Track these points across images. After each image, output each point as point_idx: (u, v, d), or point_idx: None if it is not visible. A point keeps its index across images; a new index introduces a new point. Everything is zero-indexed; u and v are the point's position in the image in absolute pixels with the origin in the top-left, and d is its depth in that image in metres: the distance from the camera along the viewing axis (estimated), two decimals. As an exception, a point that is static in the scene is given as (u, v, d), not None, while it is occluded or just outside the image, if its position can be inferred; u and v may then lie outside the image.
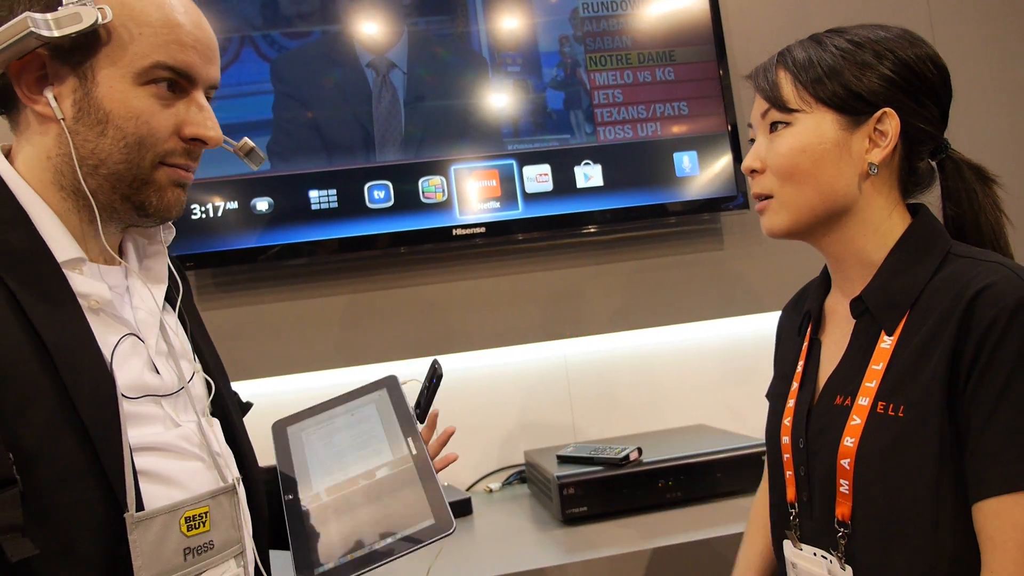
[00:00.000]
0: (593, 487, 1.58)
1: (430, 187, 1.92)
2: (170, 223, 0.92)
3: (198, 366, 0.92)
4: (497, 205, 1.94)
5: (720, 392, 2.13)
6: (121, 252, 0.89)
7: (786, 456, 0.98)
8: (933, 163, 0.96)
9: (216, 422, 0.91)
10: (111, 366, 0.76)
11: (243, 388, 1.85)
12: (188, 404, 0.86)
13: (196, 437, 0.84)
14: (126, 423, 0.74)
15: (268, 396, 1.89)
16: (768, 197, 0.96)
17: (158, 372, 0.83)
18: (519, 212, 1.94)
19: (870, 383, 0.87)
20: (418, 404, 1.10)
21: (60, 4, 0.75)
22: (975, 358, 0.79)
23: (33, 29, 0.72)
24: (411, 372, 1.97)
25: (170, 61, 0.79)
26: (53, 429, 0.70)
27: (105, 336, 0.78)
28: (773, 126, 0.95)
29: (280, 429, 1.06)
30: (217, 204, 1.82)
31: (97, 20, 0.75)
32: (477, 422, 2.03)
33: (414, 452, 0.97)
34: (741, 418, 2.09)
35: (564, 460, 1.70)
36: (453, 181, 1.92)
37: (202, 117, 0.84)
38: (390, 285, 1.97)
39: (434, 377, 1.11)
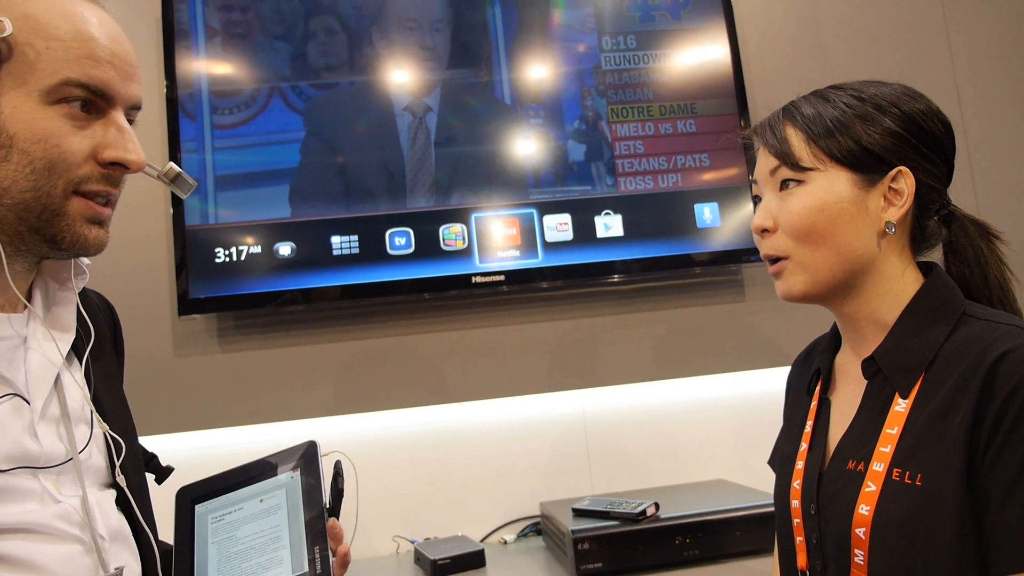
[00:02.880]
0: (608, 542, 1.55)
1: (451, 234, 1.93)
2: (83, 267, 0.84)
3: (97, 432, 0.80)
4: (517, 253, 1.95)
5: (740, 447, 2.09)
6: (29, 295, 0.80)
7: (796, 521, 0.95)
8: (937, 219, 0.95)
9: (111, 495, 0.80)
10: None
11: (262, 433, 1.88)
12: (75, 477, 0.75)
13: (78, 516, 0.73)
14: None
15: (286, 441, 1.90)
16: (780, 258, 0.94)
17: (39, 439, 0.73)
18: (539, 261, 1.95)
19: (884, 448, 0.84)
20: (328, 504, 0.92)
21: None
22: (996, 426, 0.76)
23: None
24: (427, 420, 1.99)
25: (82, 78, 0.72)
26: None
27: None
28: (784, 184, 0.93)
29: (184, 503, 0.90)
30: (240, 248, 1.84)
31: None
32: (493, 471, 2.01)
33: (318, 571, 0.82)
34: (760, 474, 2.04)
35: (580, 513, 1.67)
36: (474, 229, 1.94)
37: (121, 139, 0.75)
38: (409, 332, 1.97)
39: (335, 487, 0.92)
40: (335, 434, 1.93)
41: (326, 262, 1.87)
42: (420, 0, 2.01)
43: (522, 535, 1.95)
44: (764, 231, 0.95)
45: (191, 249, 1.82)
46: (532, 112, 2.02)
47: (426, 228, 1.92)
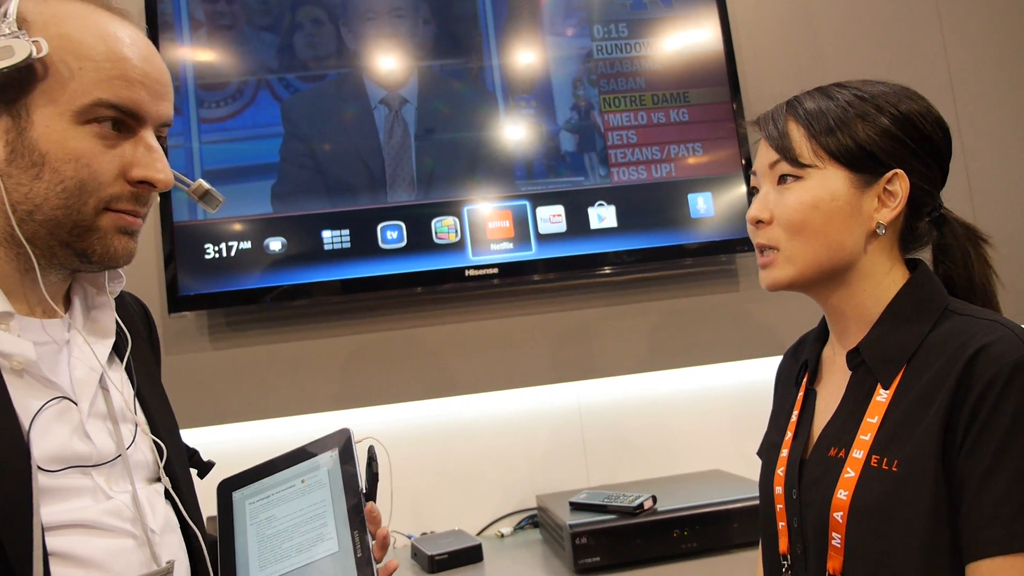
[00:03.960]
0: (606, 536, 1.55)
1: (443, 227, 1.91)
2: (119, 271, 0.86)
3: (144, 427, 0.84)
4: (510, 246, 1.93)
5: (736, 436, 2.09)
6: (68, 301, 0.83)
7: (779, 507, 0.97)
8: (928, 221, 0.98)
9: (160, 489, 0.83)
10: (28, 436, 0.69)
11: (254, 428, 1.86)
12: (125, 473, 0.78)
13: (129, 511, 0.76)
14: (39, 499, 0.67)
15: (279, 436, 1.89)
16: (771, 248, 0.96)
17: (91, 438, 0.76)
18: (532, 253, 1.93)
19: (865, 436, 0.87)
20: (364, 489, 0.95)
21: None
22: (972, 416, 0.79)
23: None
24: (422, 414, 1.97)
25: (114, 99, 0.73)
26: None
27: (27, 401, 0.71)
28: (782, 178, 0.95)
29: (225, 493, 0.94)
30: (230, 244, 1.82)
31: (31, 54, 0.69)
32: (489, 464, 2.00)
33: (359, 554, 0.84)
34: (757, 463, 2.05)
35: (577, 507, 1.66)
36: (466, 221, 1.92)
37: (150, 158, 0.76)
38: (402, 326, 1.96)
39: (370, 471, 0.96)
40: (328, 430, 1.91)
41: (317, 257, 1.85)
42: (409, -11, 1.98)
43: (519, 528, 1.94)
44: (759, 222, 0.97)
45: (180, 245, 1.79)
46: (523, 103, 2.00)
47: (418, 221, 1.90)
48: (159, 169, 0.77)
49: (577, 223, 1.96)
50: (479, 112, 1.98)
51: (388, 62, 1.95)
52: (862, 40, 2.22)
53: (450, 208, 1.92)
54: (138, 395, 0.86)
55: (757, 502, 1.58)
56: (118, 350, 0.86)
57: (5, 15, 0.71)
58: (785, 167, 0.94)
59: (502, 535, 1.91)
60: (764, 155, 0.98)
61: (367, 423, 1.93)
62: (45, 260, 0.76)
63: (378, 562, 0.86)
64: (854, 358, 0.94)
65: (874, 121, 0.92)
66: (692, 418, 2.10)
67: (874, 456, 0.85)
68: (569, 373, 2.00)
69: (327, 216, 1.87)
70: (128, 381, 0.86)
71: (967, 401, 0.79)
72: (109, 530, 0.74)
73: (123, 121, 0.75)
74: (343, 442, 0.93)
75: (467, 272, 1.89)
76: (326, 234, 1.86)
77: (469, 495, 1.97)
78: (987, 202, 2.13)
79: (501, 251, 1.92)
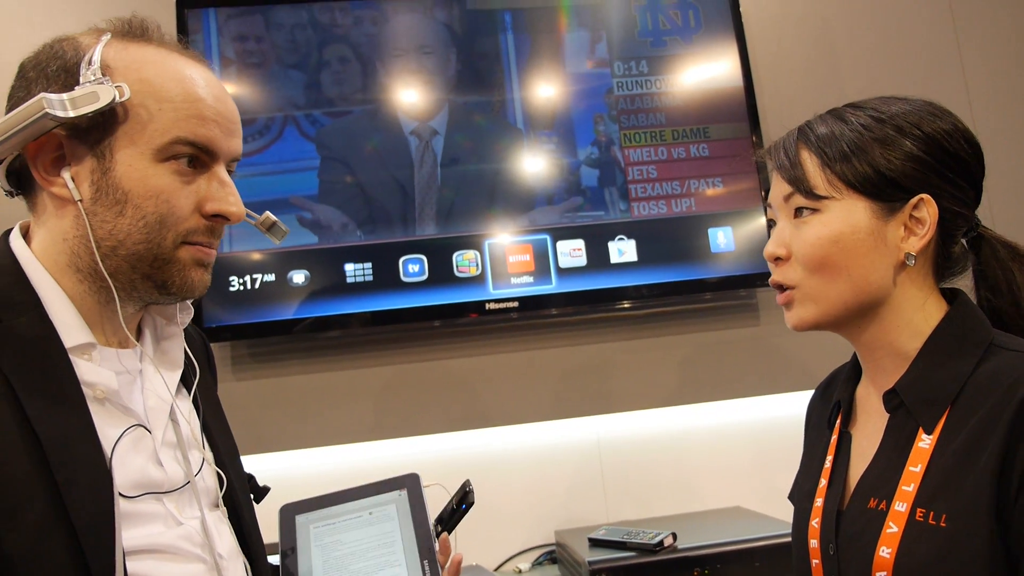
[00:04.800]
0: (625, 574, 1.53)
1: (464, 261, 1.93)
2: (188, 303, 0.89)
3: (209, 457, 0.87)
4: (531, 280, 1.94)
5: (757, 473, 2.07)
6: (139, 332, 0.86)
7: (815, 562, 0.91)
8: (964, 243, 0.90)
9: (224, 516, 0.86)
10: (110, 462, 0.72)
11: (275, 460, 1.87)
12: (193, 499, 0.81)
13: (199, 536, 0.79)
14: (120, 525, 0.70)
15: (297, 469, 1.89)
16: (789, 287, 0.90)
17: (163, 466, 0.79)
18: (552, 287, 1.94)
19: (907, 486, 0.80)
20: (440, 520, 1.01)
21: (77, 83, 0.73)
22: None
23: (48, 110, 0.70)
24: (441, 447, 1.97)
25: (190, 136, 0.77)
26: (42, 533, 0.66)
27: (108, 428, 0.74)
28: (798, 211, 0.88)
29: (288, 516, 0.97)
30: (255, 276, 1.85)
31: (115, 98, 0.72)
32: (507, 498, 1.99)
33: None
34: (779, 501, 2.01)
35: (596, 543, 1.65)
36: (487, 255, 1.94)
37: (224, 192, 0.80)
38: (422, 358, 1.97)
39: (464, 503, 1.02)
40: (347, 463, 1.93)
41: (340, 290, 1.87)
42: (431, 28, 2.02)
43: (537, 564, 1.93)
44: (777, 259, 0.91)
45: (205, 277, 1.82)
46: (544, 138, 2.02)
47: (439, 255, 1.92)
48: (232, 203, 0.81)
49: (597, 257, 1.97)
50: (501, 146, 2.00)
51: (420, 95, 1.99)
52: (883, 74, 2.23)
53: (471, 242, 1.94)
54: (203, 424, 0.89)
55: (778, 541, 1.57)
56: (185, 380, 0.89)
57: (90, 62, 0.74)
58: (800, 199, 0.88)
59: (520, 571, 1.90)
60: (778, 187, 0.91)
61: (384, 456, 1.94)
62: (125, 293, 0.79)
63: None
64: (892, 399, 0.86)
65: (895, 145, 0.84)
66: (713, 454, 2.08)
67: (919, 509, 0.78)
68: (588, 407, 2.00)
69: (350, 249, 1.89)
70: (194, 410, 0.89)
71: (1021, 449, 0.72)
72: (182, 555, 0.77)
73: (198, 157, 0.79)
74: (411, 484, 0.97)
75: (487, 306, 1.90)
76: (349, 267, 1.89)
77: (487, 530, 1.96)
78: (1009, 220, 2.11)
79: (521, 284, 1.93)
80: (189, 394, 0.89)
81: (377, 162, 1.94)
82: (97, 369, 0.76)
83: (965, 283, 0.92)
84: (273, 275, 1.86)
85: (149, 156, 0.76)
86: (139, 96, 0.75)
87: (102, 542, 0.68)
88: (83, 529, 0.67)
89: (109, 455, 0.72)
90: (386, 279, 1.89)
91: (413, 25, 2.02)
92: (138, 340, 0.85)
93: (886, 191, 0.84)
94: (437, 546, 0.92)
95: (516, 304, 1.91)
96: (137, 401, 0.80)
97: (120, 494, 0.72)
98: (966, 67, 2.27)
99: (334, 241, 1.89)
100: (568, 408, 1.99)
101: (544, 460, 2.03)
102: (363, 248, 1.90)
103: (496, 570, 1.92)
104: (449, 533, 0.99)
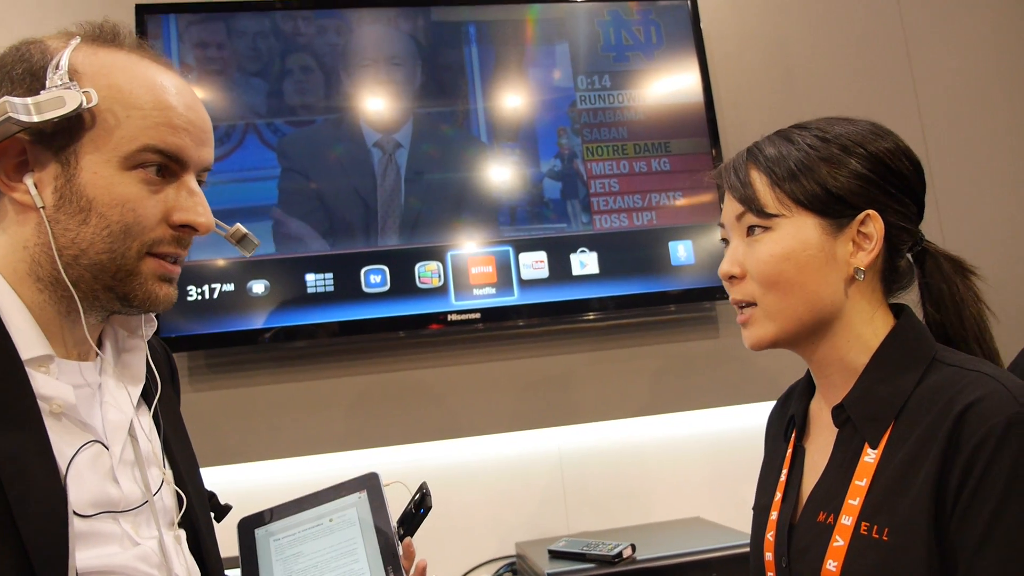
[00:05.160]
0: (585, 585, 1.53)
1: (426, 272, 1.93)
2: (152, 315, 0.87)
3: (168, 475, 0.84)
4: (493, 291, 1.94)
5: (717, 483, 2.09)
6: (100, 343, 0.83)
7: (770, 574, 0.93)
8: (910, 257, 0.93)
9: (183, 536, 0.84)
10: (65, 480, 0.69)
11: (232, 473, 1.84)
12: (151, 518, 0.79)
13: (156, 556, 0.77)
14: (75, 545, 0.67)
15: (253, 482, 1.87)
16: (749, 304, 0.91)
17: (119, 484, 0.76)
18: (515, 298, 1.95)
19: (853, 500, 0.82)
20: (402, 522, 0.98)
21: (43, 88, 0.71)
22: (963, 480, 0.74)
23: (11, 114, 0.68)
24: (401, 459, 1.96)
25: (160, 144, 0.75)
26: None
27: (63, 444, 0.72)
28: (751, 229, 0.90)
29: (247, 530, 0.94)
30: (213, 286, 1.82)
31: (82, 104, 0.71)
32: (467, 510, 1.98)
33: None
34: (737, 511, 2.05)
35: (556, 555, 1.65)
36: (449, 267, 1.93)
37: (192, 202, 0.78)
38: (384, 369, 1.95)
39: (422, 507, 1.00)
40: (304, 475, 1.90)
41: (301, 300, 1.86)
42: (396, 39, 2.02)
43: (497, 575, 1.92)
44: (732, 277, 0.93)
45: (162, 286, 1.79)
46: (508, 150, 2.03)
47: (401, 266, 1.91)
48: (200, 213, 0.79)
49: (559, 269, 1.98)
50: (464, 158, 2.01)
51: (384, 107, 1.99)
52: (838, 91, 2.28)
53: (433, 253, 1.94)
54: (164, 441, 0.87)
55: (736, 551, 1.59)
56: (146, 394, 0.87)
57: (57, 67, 0.73)
58: (752, 218, 0.90)
59: (481, 583, 1.89)
60: (729, 207, 0.93)
61: (343, 468, 1.91)
62: (87, 303, 0.77)
63: None
64: (839, 414, 0.89)
65: (840, 163, 0.87)
66: (673, 465, 2.10)
67: (864, 523, 0.80)
68: (550, 419, 2.00)
69: (312, 259, 1.88)
70: (154, 426, 0.87)
71: (956, 464, 0.74)
72: None
73: (167, 166, 0.77)
74: (371, 484, 0.94)
75: (449, 317, 1.90)
76: (310, 277, 1.87)
77: (446, 542, 1.95)
78: (959, 239, 2.17)
79: (483, 296, 1.94)
80: (150, 409, 0.87)
81: (339, 172, 1.93)
82: (54, 383, 0.73)
83: (912, 298, 0.94)
84: (232, 285, 1.84)
85: (116, 163, 0.74)
86: (107, 102, 0.74)
87: (54, 563, 0.66)
88: (34, 549, 0.65)
89: (64, 472, 0.70)
90: (348, 289, 1.88)
91: (377, 36, 2.02)
92: (99, 351, 0.83)
93: (834, 207, 0.87)
94: (401, 551, 0.90)
95: (478, 315, 1.92)
96: (96, 416, 0.78)
97: (75, 513, 0.69)
98: (917, 84, 2.34)
99: (295, 251, 1.87)
100: (530, 419, 1.99)
101: (505, 471, 2.03)
102: (325, 258, 1.89)
103: (456, 583, 1.91)
104: (411, 537, 0.98)
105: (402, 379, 1.96)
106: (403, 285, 1.90)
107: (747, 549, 1.55)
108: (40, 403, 0.71)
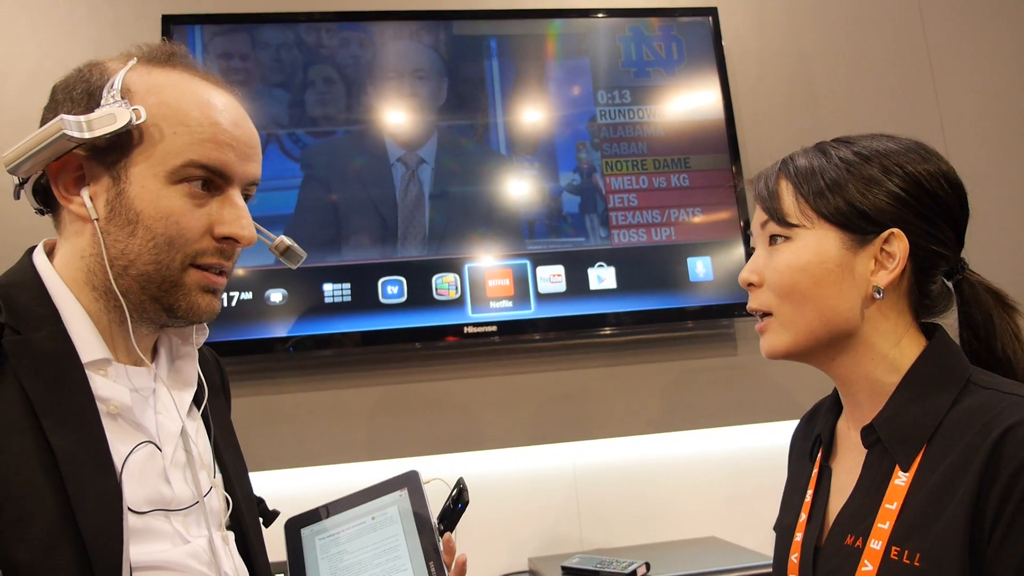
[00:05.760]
0: (598, 603, 1.52)
1: (443, 284, 1.93)
2: (204, 326, 0.90)
3: (218, 479, 0.88)
4: (510, 304, 1.94)
5: (733, 503, 2.07)
6: (155, 351, 0.88)
7: None
8: (949, 284, 0.90)
9: (231, 537, 0.87)
10: (120, 477, 0.73)
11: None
12: (201, 519, 0.82)
13: (206, 555, 0.80)
14: (129, 539, 0.71)
15: (272, 491, 1.86)
16: (766, 314, 0.91)
17: (171, 484, 0.80)
18: (531, 312, 1.94)
19: (883, 524, 0.80)
20: (441, 518, 1.01)
21: (99, 106, 0.76)
22: (1001, 507, 0.71)
23: (65, 131, 0.73)
24: (418, 471, 1.95)
25: (203, 159, 0.78)
26: (51, 543, 0.67)
27: (120, 444, 0.75)
28: (772, 239, 0.90)
29: (293, 530, 0.98)
30: (232, 294, 1.83)
31: (131, 121, 0.75)
32: (481, 525, 1.97)
33: None
34: (754, 531, 2.02)
35: (569, 572, 1.64)
36: (467, 279, 1.94)
37: (235, 215, 0.81)
38: (398, 381, 1.95)
39: (459, 502, 1.03)
40: (317, 486, 1.90)
41: (318, 310, 1.86)
42: (418, 52, 2.04)
43: (510, 591, 1.91)
44: (751, 285, 0.92)
45: (181, 294, 1.80)
46: (527, 164, 2.04)
47: (419, 277, 1.92)
48: (243, 226, 0.82)
49: (577, 283, 1.98)
50: (485, 172, 2.01)
51: (408, 122, 2.00)
52: (860, 108, 2.27)
53: (451, 265, 1.94)
54: (214, 444, 0.91)
55: (753, 572, 1.56)
56: (196, 400, 0.90)
57: (112, 86, 0.77)
58: (774, 227, 0.89)
59: (493, 598, 1.88)
60: (756, 216, 0.93)
61: (357, 481, 1.91)
62: (137, 313, 0.80)
63: None
64: (869, 435, 0.86)
65: (872, 180, 0.85)
66: (688, 483, 2.08)
67: (894, 547, 0.77)
68: (565, 434, 1.99)
69: (329, 270, 1.89)
70: (204, 430, 0.91)
71: (994, 489, 0.71)
72: (188, 572, 0.77)
73: (212, 180, 0.80)
74: (411, 482, 0.97)
75: (465, 329, 1.90)
76: (327, 287, 1.88)
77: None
78: (983, 254, 2.15)
79: (500, 309, 1.93)
80: (200, 414, 0.91)
81: (359, 185, 1.94)
82: (112, 384, 0.77)
83: (951, 322, 0.91)
84: (250, 293, 1.85)
85: (162, 178, 0.77)
86: (156, 119, 0.77)
87: (110, 555, 0.69)
88: (91, 541, 0.68)
89: (119, 470, 0.73)
90: (365, 300, 1.88)
91: (399, 49, 2.03)
92: (154, 360, 0.87)
93: (857, 223, 0.85)
94: (441, 546, 0.93)
95: (495, 328, 1.91)
96: (149, 419, 0.81)
97: (129, 509, 0.73)
98: (940, 101, 2.32)
99: (313, 261, 1.88)
100: (545, 434, 1.98)
101: (520, 485, 2.01)
102: (342, 268, 1.89)
103: (468, 597, 1.89)
104: (451, 532, 1.00)
105: (417, 391, 1.95)
106: (420, 296, 1.91)
107: (763, 570, 1.55)
108: (98, 404, 0.75)
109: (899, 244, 0.84)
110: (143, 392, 0.82)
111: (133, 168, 0.77)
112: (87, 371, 0.75)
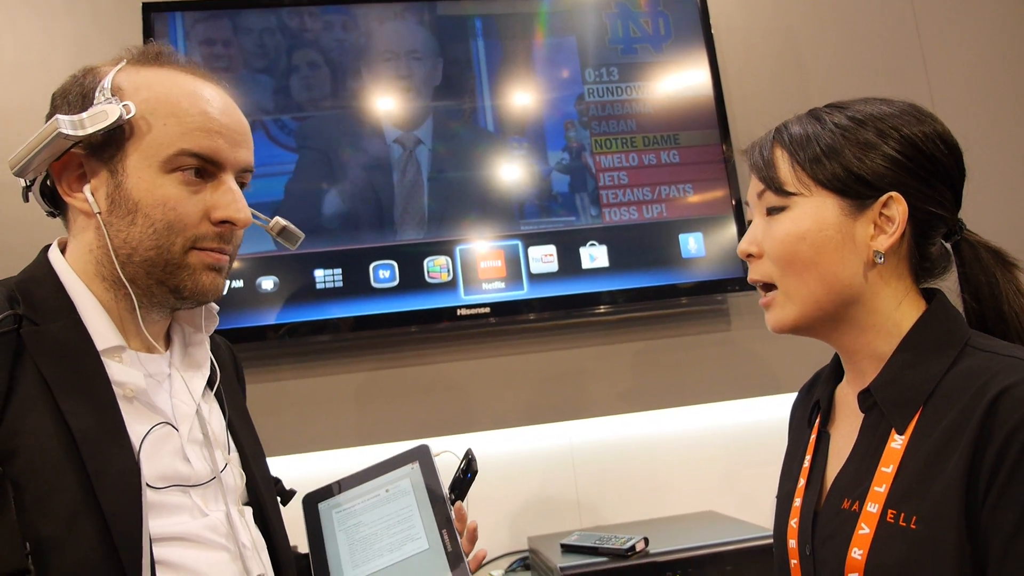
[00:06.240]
0: (598, 579, 1.53)
1: (435, 267, 1.92)
2: (214, 312, 0.95)
3: (233, 455, 0.93)
4: (502, 285, 1.94)
5: (729, 477, 2.08)
6: (168, 339, 0.92)
7: (793, 562, 0.90)
8: (947, 246, 0.89)
9: (248, 511, 0.91)
10: (139, 455, 0.77)
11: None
12: (219, 494, 0.86)
13: (224, 527, 0.84)
14: (148, 513, 0.75)
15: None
16: (769, 286, 0.90)
17: (189, 461, 0.84)
18: (524, 292, 1.94)
19: (879, 487, 0.80)
20: (452, 488, 1.05)
21: (92, 106, 0.80)
22: (996, 468, 0.71)
23: (61, 130, 0.77)
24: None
25: (195, 148, 0.82)
26: (73, 519, 0.71)
27: (136, 425, 0.80)
28: (770, 209, 0.89)
29: (311, 505, 1.02)
30: (223, 283, 1.82)
31: (121, 116, 0.79)
32: (480, 505, 1.96)
33: (449, 550, 0.92)
34: (751, 504, 2.03)
35: (568, 549, 1.65)
36: (459, 261, 1.93)
37: (229, 199, 0.85)
38: (392, 365, 1.95)
39: (469, 472, 1.08)
40: (313, 470, 1.90)
41: (310, 296, 1.85)
42: (404, 33, 2.02)
43: (510, 570, 1.91)
44: (750, 256, 0.91)
45: (172, 284, 1.79)
46: (516, 144, 2.02)
47: (410, 261, 1.91)
48: (238, 209, 0.86)
49: (569, 263, 1.97)
50: (476, 152, 2.00)
51: (403, 103, 1.99)
52: (849, 83, 2.26)
53: (443, 248, 1.93)
54: (229, 424, 0.95)
55: (750, 544, 1.58)
56: (210, 382, 0.95)
57: (103, 86, 0.81)
58: (771, 197, 0.88)
59: (493, 578, 1.89)
60: (752, 185, 0.92)
61: (354, 464, 1.91)
62: (146, 299, 0.85)
63: (467, 555, 0.96)
64: (866, 399, 0.86)
65: (868, 144, 0.85)
66: (685, 458, 2.08)
67: (890, 511, 0.77)
68: (561, 413, 2.00)
69: (320, 255, 1.88)
70: (219, 411, 0.96)
71: (990, 450, 0.71)
72: (207, 543, 0.82)
73: (204, 168, 0.84)
74: (423, 455, 1.02)
75: (459, 311, 1.90)
76: (318, 273, 1.87)
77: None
78: (977, 223, 2.15)
79: (493, 290, 1.93)
80: (214, 395, 0.95)
81: (353, 168, 1.93)
82: (127, 369, 0.82)
83: (949, 284, 0.91)
84: (241, 281, 1.84)
85: (156, 168, 0.82)
86: (146, 112, 0.82)
87: (130, 528, 0.73)
88: (112, 516, 0.72)
89: (137, 448, 0.77)
90: (356, 285, 1.88)
91: (384, 32, 2.01)
92: (167, 346, 0.91)
93: (855, 188, 0.84)
94: (453, 515, 0.97)
95: (488, 310, 1.91)
96: (164, 401, 0.86)
97: (148, 485, 0.77)
98: (930, 73, 2.32)
99: (303, 246, 1.87)
100: (541, 414, 1.99)
101: (517, 465, 2.02)
102: (333, 254, 1.88)
103: (468, 578, 1.90)
104: (462, 501, 1.04)
105: (413, 374, 1.95)
106: (412, 280, 1.90)
107: (761, 542, 1.56)
108: (115, 388, 0.79)
109: (898, 208, 0.83)
110: (157, 377, 0.87)
111: (129, 160, 0.81)
112: (103, 358, 0.80)
